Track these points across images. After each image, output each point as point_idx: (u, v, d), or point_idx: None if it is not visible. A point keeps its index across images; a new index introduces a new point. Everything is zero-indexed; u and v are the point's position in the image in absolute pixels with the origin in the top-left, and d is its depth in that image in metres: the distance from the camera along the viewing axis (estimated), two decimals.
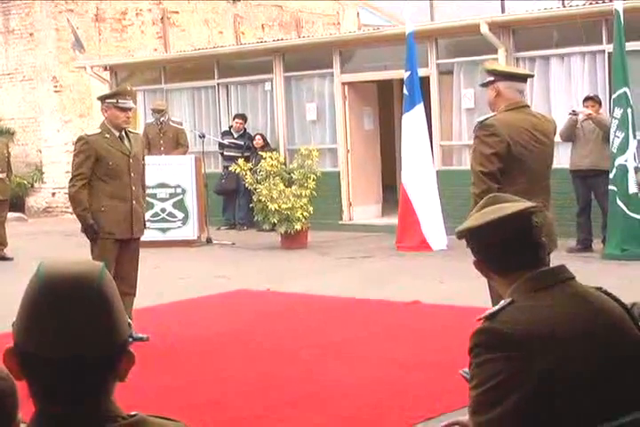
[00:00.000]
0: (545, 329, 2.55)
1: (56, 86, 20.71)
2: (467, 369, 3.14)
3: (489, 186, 5.73)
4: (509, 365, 2.50)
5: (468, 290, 9.49)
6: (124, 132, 8.08)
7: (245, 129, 16.70)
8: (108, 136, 7.98)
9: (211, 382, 6.74)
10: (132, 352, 1.97)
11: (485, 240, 2.77)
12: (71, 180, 8.02)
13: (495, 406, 2.50)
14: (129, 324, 1.99)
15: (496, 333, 2.56)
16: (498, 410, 2.49)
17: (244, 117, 16.76)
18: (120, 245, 7.95)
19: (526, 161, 5.88)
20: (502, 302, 2.65)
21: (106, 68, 19.20)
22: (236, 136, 16.63)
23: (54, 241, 15.72)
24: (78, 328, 1.86)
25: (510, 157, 5.84)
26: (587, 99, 12.32)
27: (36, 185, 21.19)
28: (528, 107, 6.34)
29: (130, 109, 8.10)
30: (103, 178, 7.93)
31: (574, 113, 12.14)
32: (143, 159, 8.33)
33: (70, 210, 20.32)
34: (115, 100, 7.99)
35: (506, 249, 2.74)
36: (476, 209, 2.91)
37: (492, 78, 6.12)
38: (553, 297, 2.64)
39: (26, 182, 20.96)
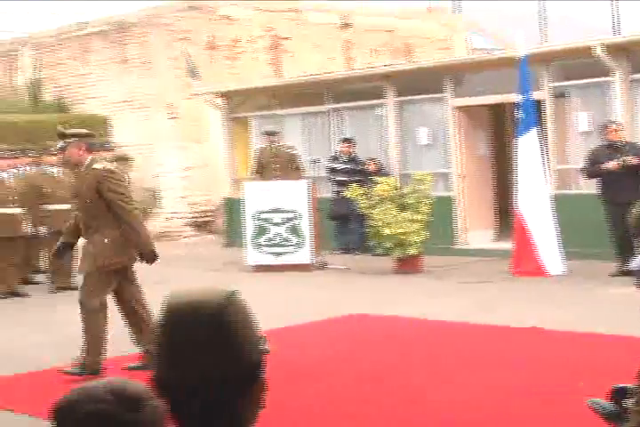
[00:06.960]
0: None
1: (172, 113, 21.11)
2: (595, 399, 3.07)
3: None
4: None
5: (587, 315, 9.37)
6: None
7: (351, 153, 16.69)
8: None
9: (320, 405, 6.76)
10: (263, 378, 1.97)
11: None
12: (129, 204, 8.50)
13: None
14: (264, 350, 1.98)
15: None
16: None
17: (350, 141, 16.75)
18: (122, 272, 8.28)
19: None
20: None
21: (219, 95, 19.52)
22: (345, 160, 16.64)
23: (170, 266, 15.91)
24: (194, 356, 1.89)
25: None
26: None
27: (152, 210, 21.57)
28: None
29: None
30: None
31: None
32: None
33: (185, 234, 20.93)
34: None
35: None
36: None
37: None
38: None
39: (143, 208, 21.34)
